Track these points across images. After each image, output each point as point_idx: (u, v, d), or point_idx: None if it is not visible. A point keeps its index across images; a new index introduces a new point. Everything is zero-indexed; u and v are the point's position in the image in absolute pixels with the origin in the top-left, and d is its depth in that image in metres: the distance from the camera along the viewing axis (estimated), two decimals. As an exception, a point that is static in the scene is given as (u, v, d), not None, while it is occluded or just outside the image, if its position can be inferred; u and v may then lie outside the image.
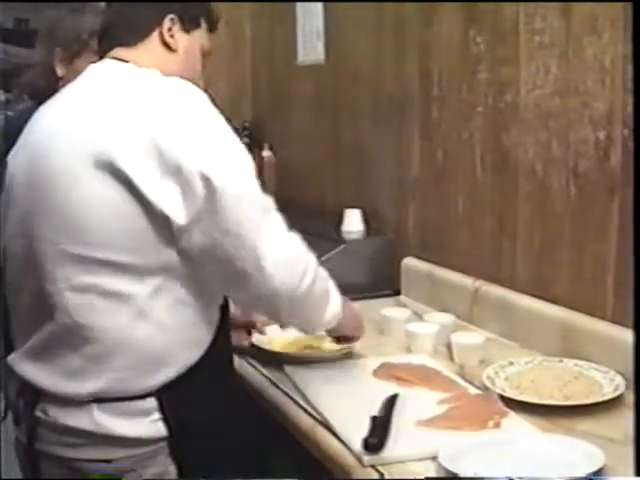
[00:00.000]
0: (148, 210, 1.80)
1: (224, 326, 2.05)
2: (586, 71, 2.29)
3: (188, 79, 1.92)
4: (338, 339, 2.35)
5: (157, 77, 1.94)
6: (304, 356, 2.42)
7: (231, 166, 1.83)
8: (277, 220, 1.90)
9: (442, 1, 2.88)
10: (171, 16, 2.02)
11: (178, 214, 1.79)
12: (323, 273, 2.02)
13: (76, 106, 1.96)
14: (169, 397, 1.91)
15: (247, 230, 1.82)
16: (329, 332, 2.27)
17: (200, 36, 2.10)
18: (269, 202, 1.89)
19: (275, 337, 2.48)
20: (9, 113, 2.94)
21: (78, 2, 2.73)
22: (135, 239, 1.83)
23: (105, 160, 1.79)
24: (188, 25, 2.06)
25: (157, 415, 1.91)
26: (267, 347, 2.46)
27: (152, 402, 1.90)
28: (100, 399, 1.88)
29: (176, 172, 1.78)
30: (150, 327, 1.88)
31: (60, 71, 2.55)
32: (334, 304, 2.08)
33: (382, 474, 1.76)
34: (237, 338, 2.43)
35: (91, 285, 1.85)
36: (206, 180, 1.78)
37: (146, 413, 1.90)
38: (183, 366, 1.93)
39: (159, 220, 1.80)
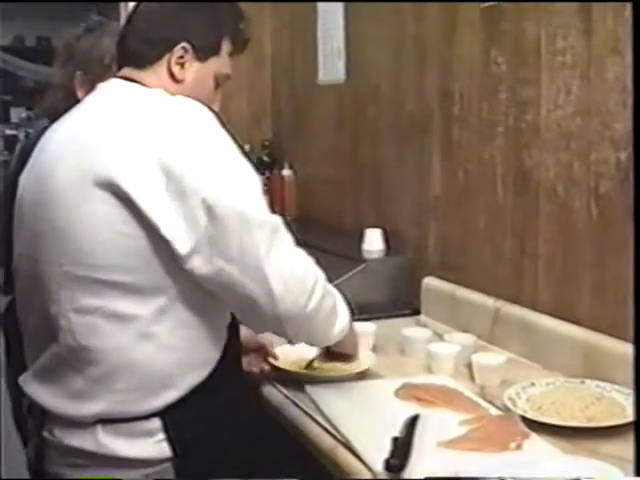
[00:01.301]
0: (150, 231, 1.80)
1: (233, 345, 2.05)
2: (607, 92, 2.29)
3: None
4: (334, 357, 2.36)
5: (162, 97, 1.94)
6: (321, 376, 2.40)
7: (236, 191, 1.82)
8: (285, 240, 1.89)
9: (461, 1, 2.89)
10: (184, 44, 2.00)
11: (180, 239, 1.79)
12: (330, 288, 2.01)
13: (80, 126, 1.97)
14: (174, 417, 1.91)
15: (253, 256, 1.81)
16: (332, 347, 2.26)
17: (218, 63, 2.07)
18: (276, 222, 1.87)
19: (293, 356, 2.48)
20: (29, 130, 2.96)
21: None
22: (137, 260, 1.83)
23: (106, 179, 1.79)
24: (203, 53, 2.03)
25: (161, 436, 1.91)
26: (285, 367, 2.45)
27: (156, 422, 1.91)
28: (104, 420, 1.89)
29: (179, 196, 1.78)
30: (153, 348, 1.88)
31: (81, 95, 2.55)
32: (342, 317, 2.09)
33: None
34: (247, 364, 2.40)
35: (94, 307, 1.86)
36: (209, 207, 1.78)
37: (150, 434, 1.91)
38: (188, 387, 1.93)
39: (161, 242, 1.81)
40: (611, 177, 2.30)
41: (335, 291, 2.05)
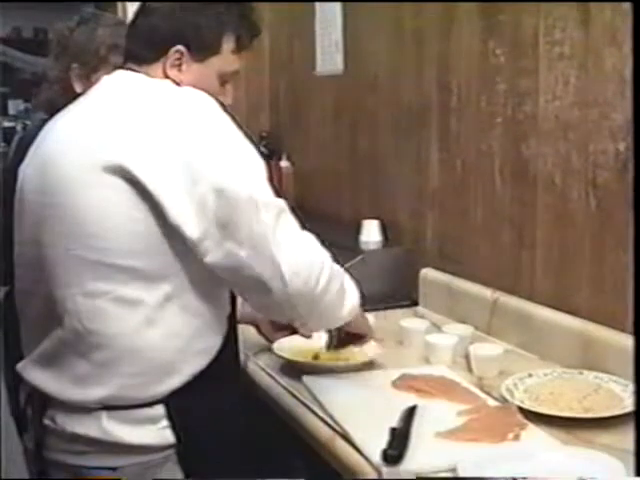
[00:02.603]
0: (160, 217, 1.81)
1: (231, 335, 2.06)
2: (605, 82, 2.29)
3: None
4: (347, 340, 2.36)
5: (169, 86, 1.95)
6: (325, 365, 2.41)
7: (243, 175, 1.84)
8: (291, 223, 1.90)
9: (461, 0, 2.88)
10: (178, 48, 1.99)
11: (191, 224, 1.80)
12: (338, 268, 2.01)
13: (87, 115, 1.97)
14: (177, 404, 1.93)
15: (262, 238, 1.82)
16: (346, 328, 2.26)
17: (220, 61, 2.05)
18: (281, 205, 1.89)
19: (295, 345, 2.48)
20: (27, 122, 2.95)
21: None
22: (146, 245, 1.84)
23: (117, 165, 1.80)
24: (201, 54, 2.02)
25: (165, 422, 1.92)
26: (287, 356, 2.45)
27: (160, 409, 1.92)
28: (108, 406, 1.90)
29: (189, 182, 1.79)
30: (159, 334, 1.89)
31: (78, 87, 2.55)
32: (351, 296, 2.08)
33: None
34: (273, 335, 2.51)
35: (103, 291, 1.87)
36: (219, 192, 1.79)
37: (154, 421, 1.92)
38: (191, 374, 1.94)
39: (171, 227, 1.82)
40: (609, 167, 2.30)
41: (342, 270, 2.05)
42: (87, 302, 1.88)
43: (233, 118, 1.89)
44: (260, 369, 2.48)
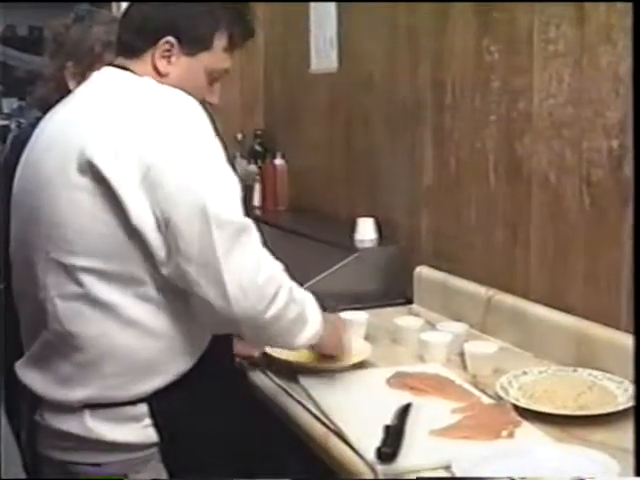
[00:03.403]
0: (125, 218, 1.81)
1: (221, 334, 2.05)
2: (600, 80, 2.29)
3: None
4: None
5: (152, 86, 1.94)
6: (316, 367, 2.40)
7: (203, 188, 1.81)
8: (250, 244, 1.87)
9: (456, 1, 2.88)
10: (168, 39, 1.98)
11: (151, 231, 1.81)
12: (300, 295, 1.99)
13: (70, 114, 1.98)
14: (161, 403, 1.93)
15: (212, 256, 1.81)
16: (311, 348, 2.26)
17: (210, 57, 2.04)
18: (243, 224, 1.86)
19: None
20: (22, 120, 2.95)
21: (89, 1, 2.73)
22: (117, 247, 1.84)
23: (87, 165, 1.81)
24: (191, 48, 2.01)
25: (148, 421, 1.93)
26: (280, 356, 2.45)
27: (143, 408, 1.92)
28: (91, 405, 1.91)
29: (149, 188, 1.79)
30: (138, 335, 1.89)
31: (73, 85, 2.54)
32: (312, 325, 2.05)
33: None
34: (243, 348, 2.42)
35: (79, 294, 1.88)
36: (174, 202, 1.79)
37: (137, 419, 1.93)
38: (176, 373, 1.94)
39: (137, 230, 1.82)
40: (603, 165, 2.30)
41: (306, 298, 2.03)
42: (64, 304, 1.90)
43: (212, 122, 1.88)
44: (255, 368, 2.47)
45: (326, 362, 2.40)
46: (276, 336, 2.01)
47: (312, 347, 2.25)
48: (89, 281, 1.86)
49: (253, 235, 1.88)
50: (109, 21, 2.66)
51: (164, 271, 1.84)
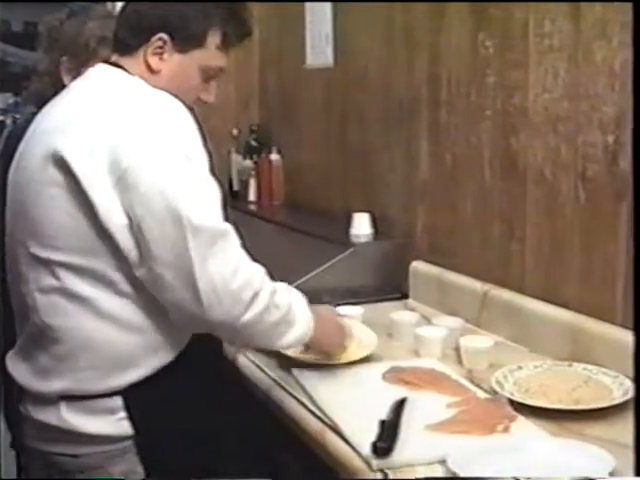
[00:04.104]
0: (96, 217, 1.82)
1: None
2: (595, 75, 2.29)
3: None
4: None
5: (141, 87, 1.95)
6: (322, 362, 2.39)
7: (179, 193, 1.81)
8: (227, 250, 1.87)
9: (451, 1, 2.88)
10: (161, 35, 1.98)
11: (122, 233, 1.82)
12: (283, 299, 1.99)
13: (59, 110, 1.99)
14: (136, 397, 1.94)
15: (186, 262, 1.81)
16: (307, 347, 2.27)
17: (203, 55, 2.03)
18: (219, 230, 1.86)
19: None
20: (17, 116, 2.95)
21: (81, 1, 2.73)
22: (87, 242, 1.86)
23: (61, 162, 1.82)
24: (184, 45, 2.01)
25: (123, 414, 1.94)
26: (284, 351, 2.44)
27: (118, 401, 1.94)
28: (67, 397, 1.94)
29: (123, 190, 1.79)
30: (115, 329, 1.91)
31: (67, 80, 2.54)
32: (298, 328, 2.05)
33: (392, 478, 1.76)
34: None
35: (55, 287, 1.90)
36: (147, 206, 1.79)
37: (112, 411, 1.94)
38: (153, 368, 1.95)
39: (107, 231, 1.83)
40: (598, 160, 2.30)
41: (293, 301, 2.03)
42: (43, 298, 1.92)
43: (200, 127, 1.88)
44: (250, 362, 2.47)
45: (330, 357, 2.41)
46: (255, 339, 2.02)
47: (308, 347, 2.27)
48: (65, 275, 1.89)
49: (230, 241, 1.88)
50: (104, 16, 2.66)
51: (137, 273, 1.85)
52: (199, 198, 1.84)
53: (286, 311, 1.99)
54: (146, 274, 1.84)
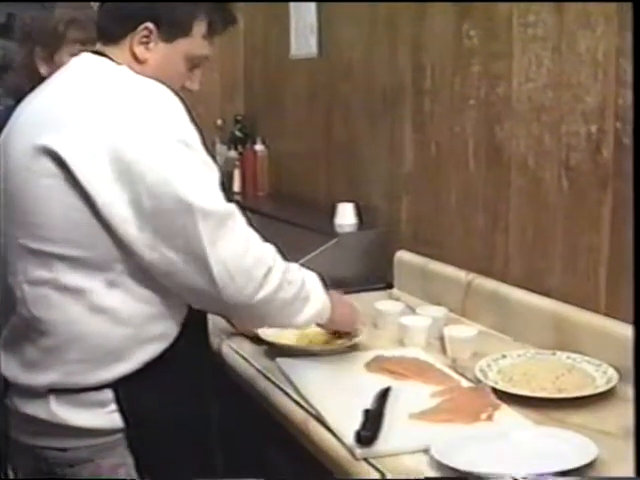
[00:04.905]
0: (92, 206, 1.81)
1: (196, 318, 2.04)
2: (579, 64, 2.29)
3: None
4: (334, 332, 2.38)
5: (127, 75, 1.93)
6: (310, 349, 2.41)
7: (183, 180, 1.80)
8: (236, 230, 1.87)
9: (434, 1, 2.89)
10: (147, 25, 1.96)
11: (125, 222, 1.80)
12: (297, 275, 1.99)
13: (40, 101, 1.97)
14: (126, 389, 1.92)
15: (197, 246, 1.81)
16: (321, 327, 2.28)
17: (189, 44, 2.02)
18: (226, 212, 1.85)
19: (280, 329, 2.47)
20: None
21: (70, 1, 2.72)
22: (83, 233, 1.84)
23: (52, 152, 1.80)
24: (170, 34, 1.99)
25: (113, 407, 1.92)
26: (271, 339, 2.45)
27: (108, 394, 1.92)
28: (56, 390, 1.92)
29: (126, 180, 1.78)
30: (105, 321, 1.89)
31: (43, 70, 2.54)
32: (313, 305, 2.05)
33: (375, 467, 1.76)
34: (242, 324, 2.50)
35: (46, 279, 1.88)
36: (155, 196, 1.78)
37: (102, 404, 1.92)
38: (142, 360, 1.93)
39: (106, 219, 1.81)
40: (582, 149, 2.30)
41: (306, 277, 2.04)
42: (32, 290, 1.90)
43: (188, 111, 1.87)
44: (234, 352, 2.48)
45: (317, 344, 2.43)
46: (271, 317, 2.01)
47: (322, 326, 2.28)
48: (57, 267, 1.87)
49: (238, 220, 1.88)
50: (72, 2, 2.66)
51: (147, 257, 1.83)
52: (204, 183, 1.84)
53: (300, 287, 1.99)
54: (158, 260, 1.83)
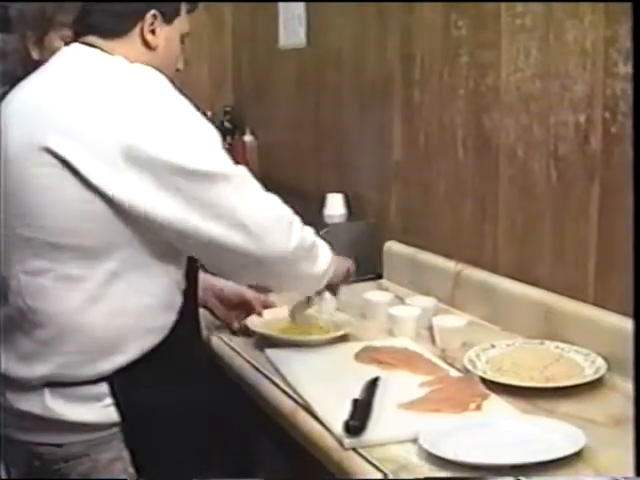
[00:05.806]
0: (95, 194, 1.79)
1: (189, 310, 2.04)
2: (567, 54, 2.29)
3: (164, 72, 1.91)
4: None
5: (121, 64, 1.92)
6: (299, 340, 2.41)
7: (198, 152, 1.81)
8: (254, 186, 1.90)
9: (424, 1, 2.88)
10: (153, 12, 1.98)
11: (137, 202, 1.79)
12: (307, 227, 2.01)
13: (35, 90, 1.95)
14: (122, 382, 1.91)
15: (227, 208, 1.82)
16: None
17: (180, 23, 2.06)
18: (242, 172, 1.88)
19: (269, 320, 2.51)
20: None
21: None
22: (83, 223, 1.83)
23: (46, 142, 1.79)
24: (169, 16, 2.02)
25: (109, 400, 1.91)
26: (261, 330, 2.45)
27: (104, 387, 1.91)
28: (51, 384, 1.90)
29: (141, 163, 1.77)
30: (102, 312, 1.88)
31: (35, 54, 2.53)
32: (324, 251, 2.09)
33: (364, 457, 1.76)
34: (227, 316, 2.52)
35: (44, 269, 1.86)
36: (176, 171, 1.77)
37: (98, 398, 1.91)
38: (138, 352, 1.93)
39: (108, 205, 1.80)
40: (570, 139, 2.30)
41: (310, 229, 2.05)
42: (29, 280, 1.88)
43: (183, 94, 1.88)
44: (223, 343, 2.48)
45: (310, 334, 2.44)
46: (301, 268, 2.02)
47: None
48: (56, 257, 1.85)
49: (252, 180, 1.90)
50: None
51: (182, 232, 1.82)
52: (215, 150, 1.85)
53: (310, 233, 2.02)
54: (192, 233, 1.82)
